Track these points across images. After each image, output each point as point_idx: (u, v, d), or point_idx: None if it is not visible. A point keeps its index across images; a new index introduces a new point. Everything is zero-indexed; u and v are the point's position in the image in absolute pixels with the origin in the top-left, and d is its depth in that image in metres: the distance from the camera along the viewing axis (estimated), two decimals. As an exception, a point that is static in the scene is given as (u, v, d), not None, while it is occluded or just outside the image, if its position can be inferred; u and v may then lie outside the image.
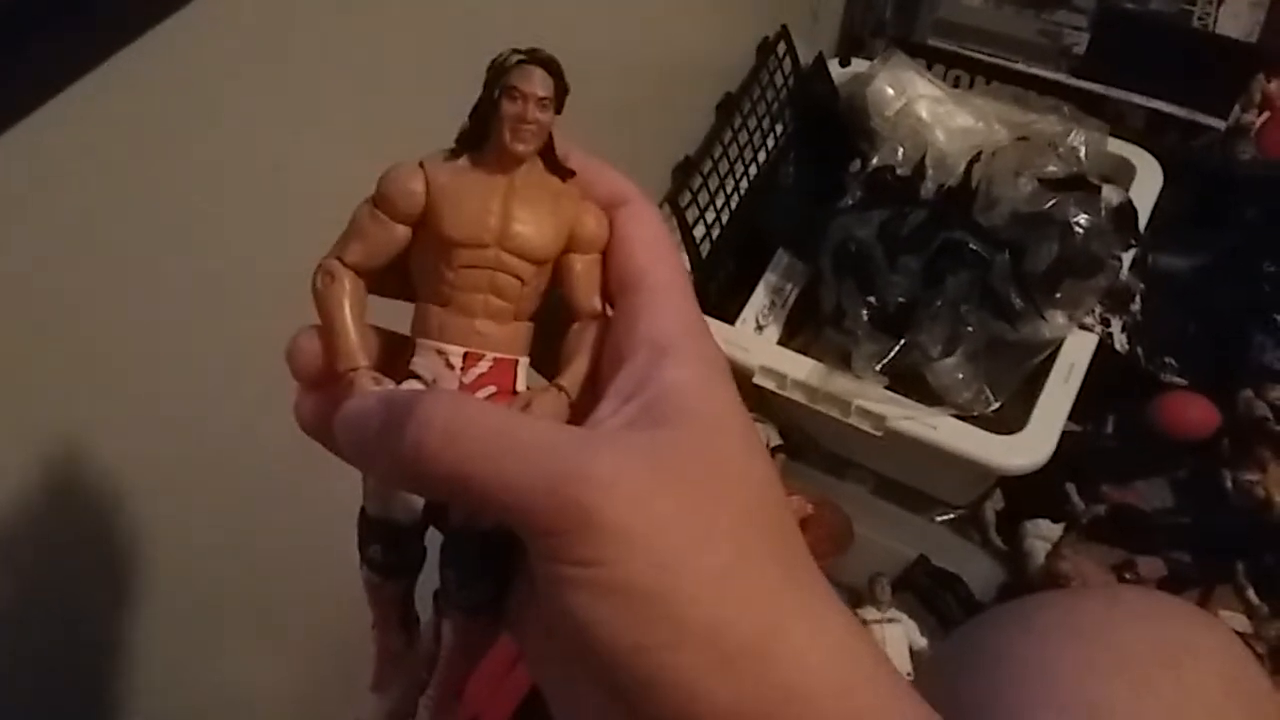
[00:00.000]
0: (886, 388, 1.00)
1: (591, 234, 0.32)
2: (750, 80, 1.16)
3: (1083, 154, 1.05)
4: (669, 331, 0.30)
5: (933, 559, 1.04)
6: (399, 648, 0.35)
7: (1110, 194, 1.02)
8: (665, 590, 0.26)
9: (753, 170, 1.18)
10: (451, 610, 0.33)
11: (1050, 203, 0.98)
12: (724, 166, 1.12)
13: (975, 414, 0.99)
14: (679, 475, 0.28)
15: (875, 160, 1.11)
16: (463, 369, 0.31)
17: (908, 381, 1.00)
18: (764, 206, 1.18)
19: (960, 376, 0.99)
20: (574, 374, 0.32)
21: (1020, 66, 1.35)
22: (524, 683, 0.85)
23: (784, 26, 1.20)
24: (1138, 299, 1.12)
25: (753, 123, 1.16)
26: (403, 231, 0.31)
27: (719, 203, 1.12)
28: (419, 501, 0.32)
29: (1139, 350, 1.13)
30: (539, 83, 0.30)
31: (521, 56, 0.30)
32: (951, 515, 1.11)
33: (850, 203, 1.08)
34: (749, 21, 1.19)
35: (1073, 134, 1.06)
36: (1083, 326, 1.03)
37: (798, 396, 1.02)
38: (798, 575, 0.29)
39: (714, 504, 0.28)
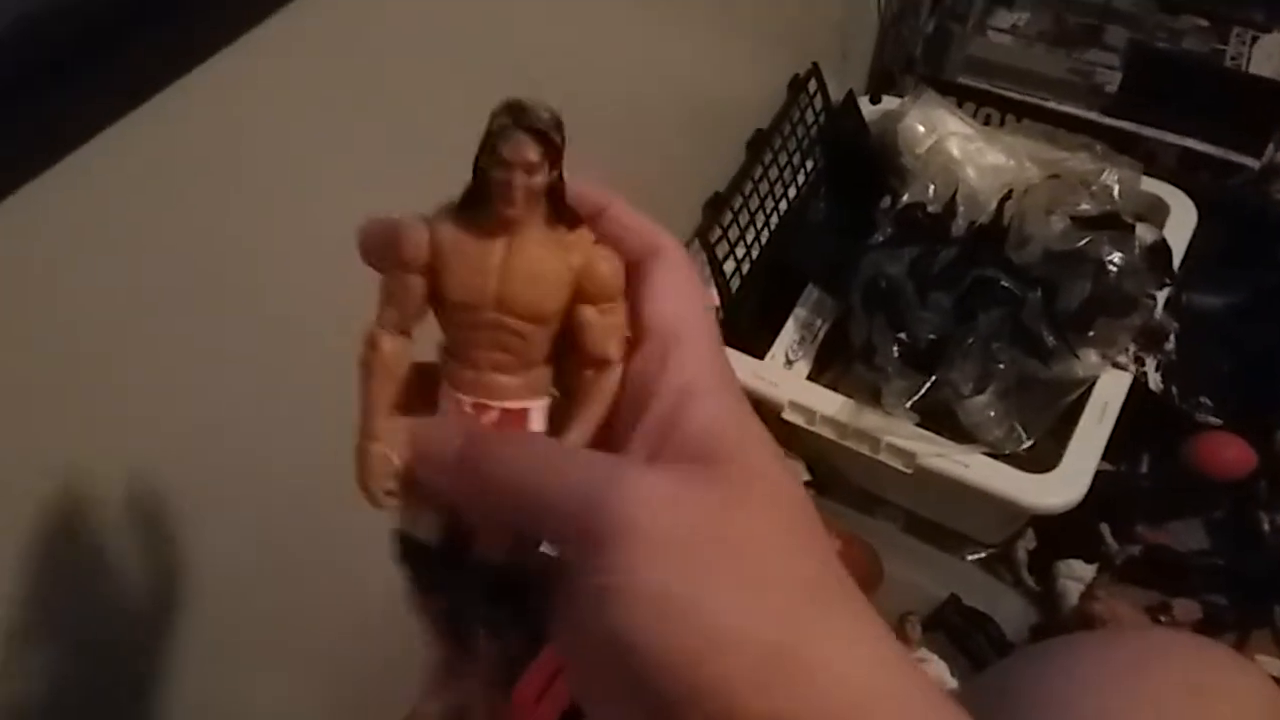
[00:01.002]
0: (917, 425, 0.99)
1: (603, 283, 0.32)
2: (781, 117, 1.17)
3: (1116, 193, 1.05)
4: (697, 376, 0.31)
5: (964, 598, 1.03)
6: (447, 658, 0.36)
7: (1144, 233, 1.02)
8: (696, 598, 0.27)
9: (783, 206, 1.18)
10: (479, 626, 0.34)
11: (1083, 241, 0.98)
12: (754, 202, 1.13)
13: (1007, 452, 0.98)
14: (708, 493, 0.29)
15: (906, 197, 1.11)
16: (476, 415, 0.32)
17: (938, 419, 1.00)
18: (794, 242, 1.18)
19: (992, 414, 0.99)
20: (583, 424, 0.32)
21: (1052, 105, 1.35)
22: (564, 698, 0.85)
23: (815, 64, 1.21)
24: (1172, 338, 1.11)
25: (783, 159, 1.17)
26: (419, 282, 0.31)
27: (749, 238, 1.12)
28: (441, 525, 0.33)
29: (1174, 390, 1.12)
30: (527, 150, 0.30)
31: (506, 120, 0.30)
32: (983, 554, 1.10)
33: (881, 239, 1.08)
34: (780, 59, 1.20)
35: (1105, 172, 1.06)
36: (1116, 365, 1.02)
37: (827, 432, 1.01)
38: (831, 590, 0.29)
39: (742, 520, 0.29)
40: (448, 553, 0.33)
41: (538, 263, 0.31)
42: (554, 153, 0.30)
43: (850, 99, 1.26)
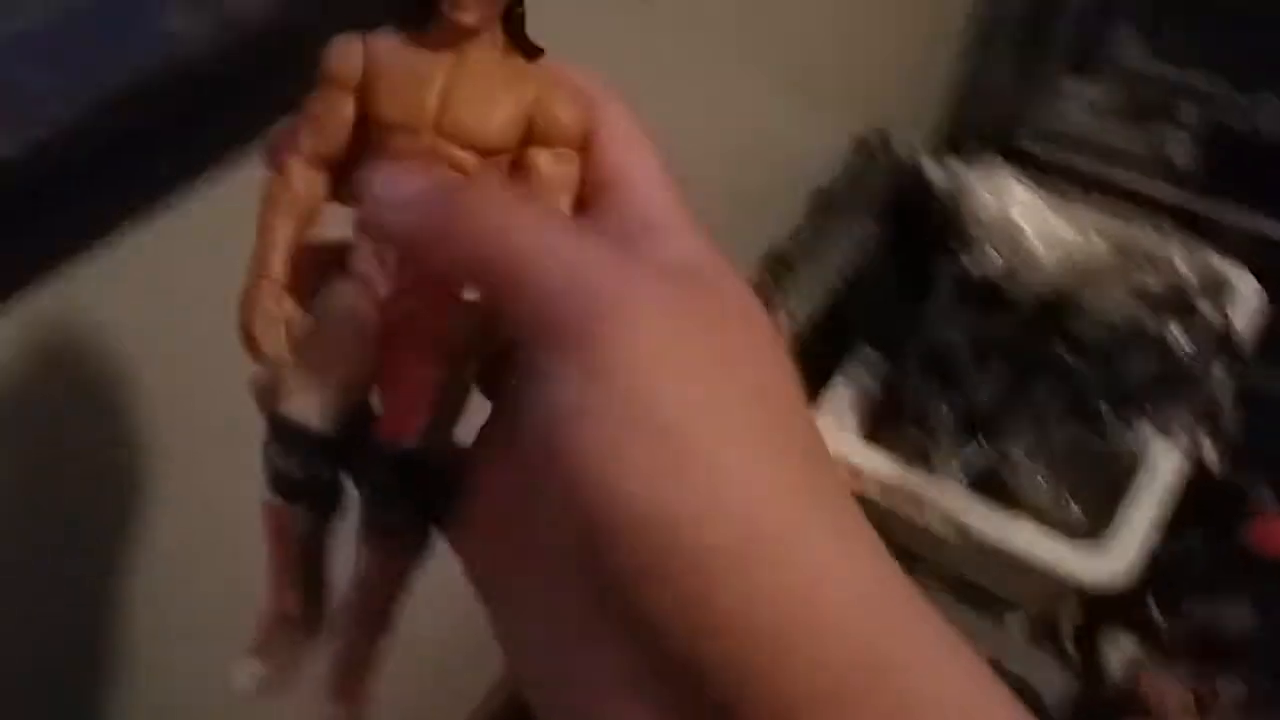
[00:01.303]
0: (966, 490, 0.99)
1: (560, 123, 0.27)
2: (846, 175, 1.18)
3: (1183, 271, 1.05)
4: (661, 212, 0.27)
5: (1005, 665, 1.02)
6: (290, 608, 0.29)
7: (1209, 312, 1.02)
8: (699, 441, 0.22)
9: (842, 264, 1.19)
10: (369, 533, 0.29)
11: (1147, 318, 0.98)
12: (814, 259, 1.14)
13: (1057, 523, 0.98)
14: (709, 309, 0.24)
15: (968, 262, 1.12)
16: (397, 269, 0.28)
17: (989, 486, 1.00)
18: (851, 301, 1.19)
19: (1044, 484, 0.99)
20: None
21: (1122, 179, 1.35)
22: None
23: (883, 124, 1.22)
24: (1231, 417, 1.11)
25: (846, 217, 1.18)
26: (347, 103, 0.27)
27: (807, 295, 1.14)
28: (336, 409, 0.28)
29: (1230, 468, 1.11)
30: None
31: None
32: (1026, 622, 1.09)
33: (941, 303, 1.09)
34: (848, 117, 1.21)
35: (1173, 250, 1.06)
36: (1174, 442, 1.02)
37: (874, 493, 1.02)
38: (825, 475, 0.25)
39: (746, 357, 0.24)
40: (341, 443, 0.28)
41: (487, 84, 0.27)
42: None
43: (916, 160, 1.27)
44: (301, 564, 0.29)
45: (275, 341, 0.27)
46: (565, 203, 0.27)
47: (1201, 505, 1.07)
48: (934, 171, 1.28)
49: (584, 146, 0.27)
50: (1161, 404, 0.99)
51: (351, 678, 0.29)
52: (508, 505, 0.26)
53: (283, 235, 0.27)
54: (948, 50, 1.38)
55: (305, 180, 0.27)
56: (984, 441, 0.99)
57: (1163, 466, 1.01)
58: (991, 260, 1.12)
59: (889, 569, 0.25)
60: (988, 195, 1.19)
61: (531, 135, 0.27)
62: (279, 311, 0.27)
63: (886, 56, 1.25)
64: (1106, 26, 1.49)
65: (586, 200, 0.27)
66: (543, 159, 0.27)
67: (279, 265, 0.27)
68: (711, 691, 0.22)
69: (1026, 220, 1.15)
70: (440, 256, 0.25)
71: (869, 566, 0.24)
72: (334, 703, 0.29)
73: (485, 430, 0.28)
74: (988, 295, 1.10)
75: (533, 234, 0.24)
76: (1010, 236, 1.14)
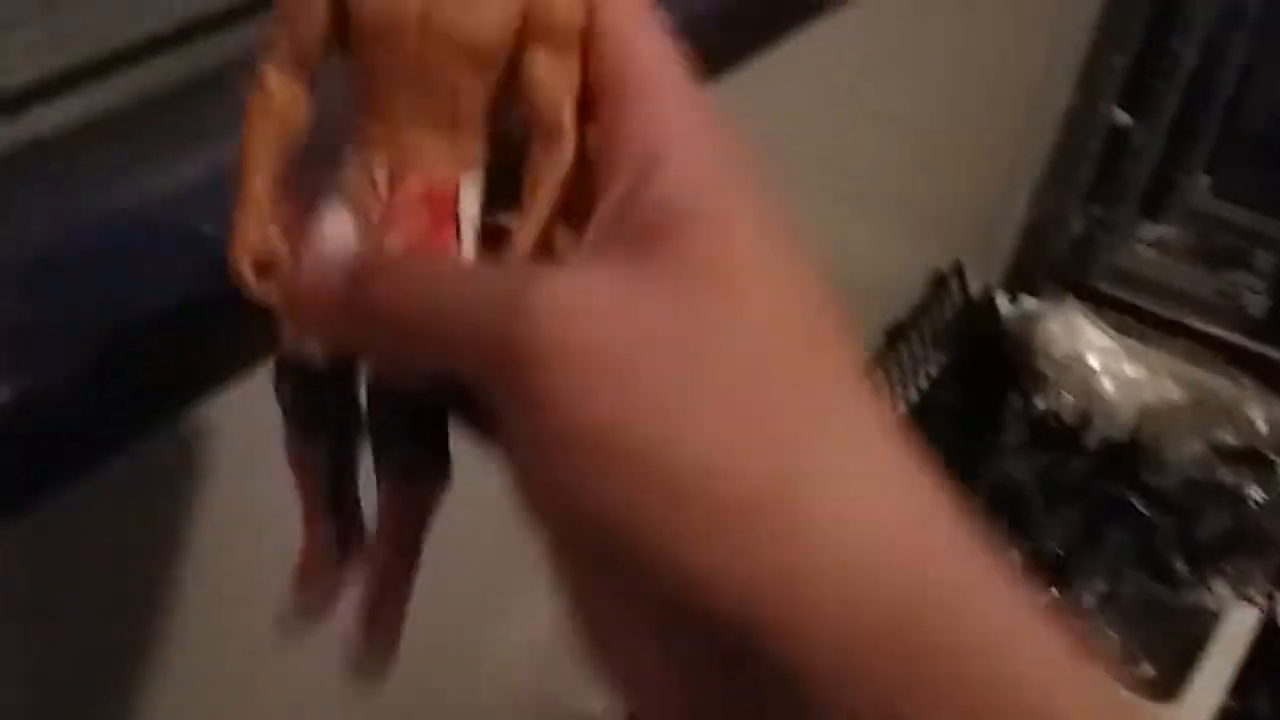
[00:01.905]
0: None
1: (558, 17, 0.24)
2: (920, 309, 1.18)
3: (1261, 427, 1.03)
4: (662, 135, 0.24)
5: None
6: (325, 540, 0.29)
7: (1287, 470, 1.00)
8: (652, 431, 0.21)
9: (912, 395, 1.19)
10: (383, 469, 0.28)
11: (1223, 473, 0.97)
12: (884, 390, 1.13)
13: (1126, 678, 0.95)
14: (665, 286, 0.22)
15: (1039, 402, 1.11)
16: (389, 188, 0.25)
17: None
18: (920, 433, 1.17)
19: (1114, 637, 0.96)
20: (528, 216, 0.25)
21: (1195, 324, 1.33)
22: None
23: (958, 260, 1.22)
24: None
25: (918, 350, 1.18)
26: (320, 7, 0.25)
27: (877, 425, 1.13)
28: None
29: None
30: None
31: None
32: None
33: (1010, 442, 1.08)
34: (925, 250, 1.21)
35: (1250, 404, 1.04)
36: (1249, 600, 0.99)
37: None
38: (836, 405, 0.22)
39: (715, 319, 0.22)
40: (340, 376, 0.26)
41: None
42: None
43: (988, 295, 1.27)
44: (325, 491, 0.28)
45: (256, 275, 0.25)
46: (563, 111, 0.25)
47: (1271, 667, 1.03)
48: (1006, 307, 1.28)
49: (585, 35, 0.25)
50: (1239, 563, 0.97)
51: (384, 606, 0.29)
52: None
53: (264, 153, 0.25)
54: (1023, 189, 1.39)
55: (283, 90, 0.25)
56: (1054, 590, 0.97)
57: (1238, 628, 0.98)
58: (1063, 401, 1.11)
59: (933, 502, 0.22)
60: (1059, 333, 1.18)
61: (528, 29, 0.25)
62: (266, 244, 0.25)
63: (965, 193, 1.25)
64: (1178, 169, 1.49)
65: (593, 103, 0.25)
66: (541, 61, 0.25)
67: (262, 187, 0.25)
68: (730, 638, 0.20)
69: (1099, 361, 1.14)
70: (363, 344, 0.25)
71: (910, 502, 0.22)
72: (366, 633, 0.29)
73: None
74: (1059, 436, 1.08)
75: (445, 292, 0.23)
76: (1082, 377, 1.13)
